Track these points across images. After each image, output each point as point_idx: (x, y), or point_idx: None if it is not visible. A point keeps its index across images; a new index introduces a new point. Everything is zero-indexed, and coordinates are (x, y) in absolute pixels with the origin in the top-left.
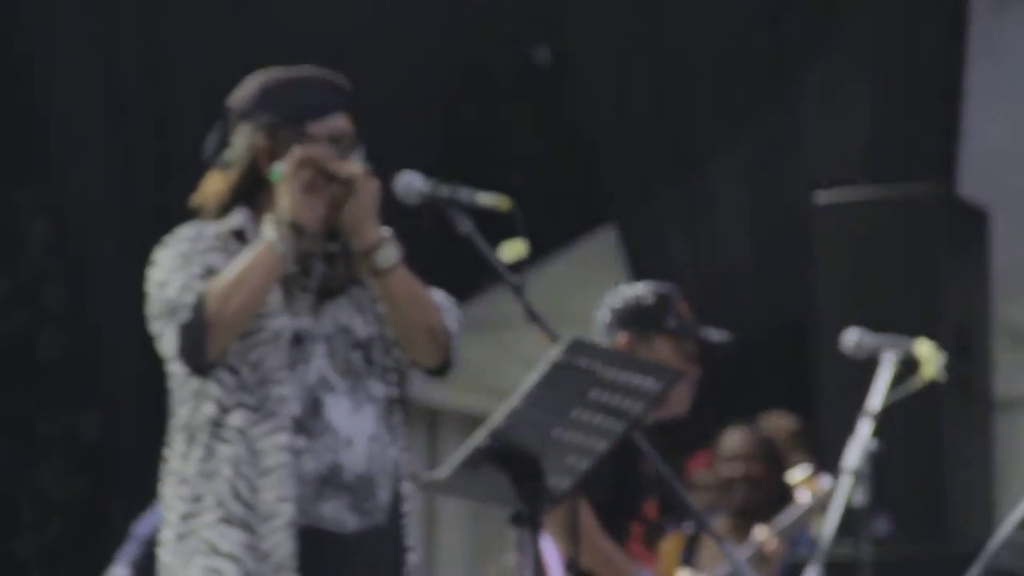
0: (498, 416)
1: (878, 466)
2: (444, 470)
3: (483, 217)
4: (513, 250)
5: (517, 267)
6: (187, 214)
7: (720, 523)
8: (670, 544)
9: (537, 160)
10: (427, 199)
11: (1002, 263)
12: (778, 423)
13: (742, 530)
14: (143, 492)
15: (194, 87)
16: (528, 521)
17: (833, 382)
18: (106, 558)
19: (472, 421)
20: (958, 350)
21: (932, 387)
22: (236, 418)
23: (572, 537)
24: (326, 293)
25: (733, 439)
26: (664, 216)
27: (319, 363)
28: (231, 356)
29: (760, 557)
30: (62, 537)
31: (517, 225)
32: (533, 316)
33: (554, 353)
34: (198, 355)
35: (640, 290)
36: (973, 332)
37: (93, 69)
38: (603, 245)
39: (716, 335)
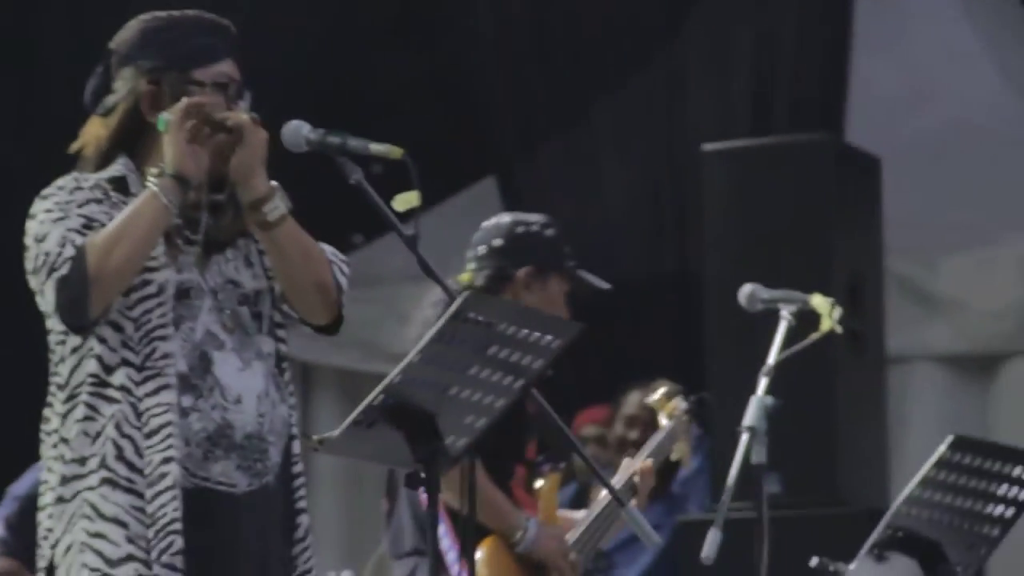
0: (393, 373)
1: (774, 423)
2: (337, 429)
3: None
4: (406, 201)
5: (408, 217)
6: (59, 161)
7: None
8: (547, 484)
9: (419, 109)
10: (316, 147)
11: (894, 215)
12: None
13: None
14: (16, 454)
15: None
16: (424, 482)
17: (723, 336)
18: None
19: (348, 377)
20: (851, 304)
21: (824, 342)
22: (120, 376)
23: (465, 493)
24: (212, 246)
25: (634, 402)
26: (547, 167)
27: (206, 318)
28: (114, 312)
29: (631, 486)
30: None
31: (410, 175)
32: (427, 269)
33: (451, 308)
34: (79, 312)
35: (534, 220)
36: (866, 285)
37: None
38: (485, 196)
39: (599, 282)
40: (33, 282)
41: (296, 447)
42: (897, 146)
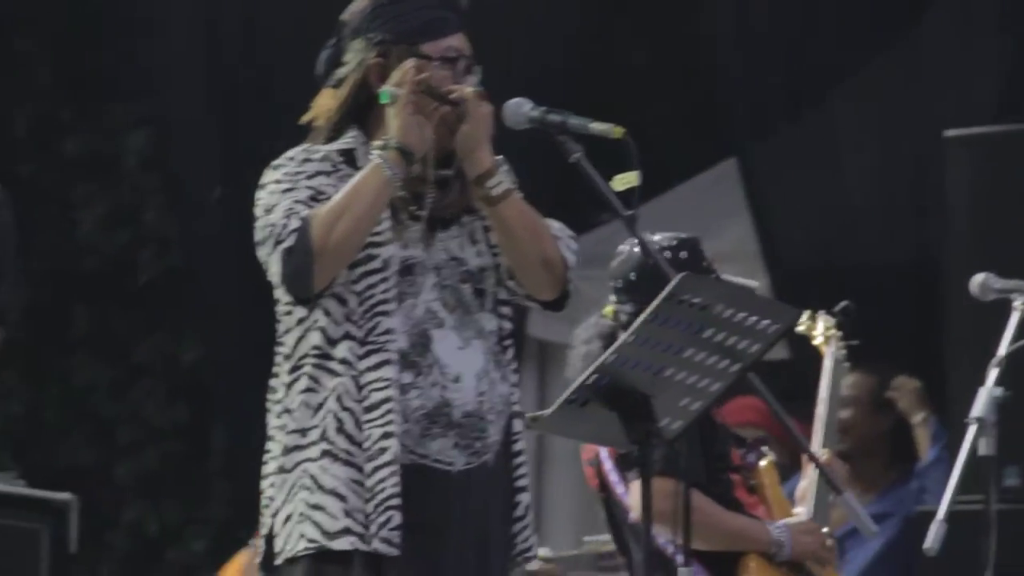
0: (607, 352)
1: (1005, 415)
2: (551, 408)
3: (599, 149)
4: (625, 181)
5: (629, 198)
6: (292, 132)
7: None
8: (766, 476)
9: (660, 90)
10: (537, 125)
11: None
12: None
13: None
14: (244, 419)
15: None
16: (638, 462)
17: (962, 326)
18: (206, 486)
19: None
20: None
21: None
22: (342, 349)
23: (677, 521)
24: (437, 222)
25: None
26: (785, 150)
27: (427, 295)
28: (338, 285)
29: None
30: (161, 463)
31: (631, 155)
32: (646, 249)
33: (667, 288)
34: (303, 284)
35: (666, 243)
36: None
37: None
38: (725, 177)
39: (748, 282)
40: (260, 253)
41: (517, 426)
42: None
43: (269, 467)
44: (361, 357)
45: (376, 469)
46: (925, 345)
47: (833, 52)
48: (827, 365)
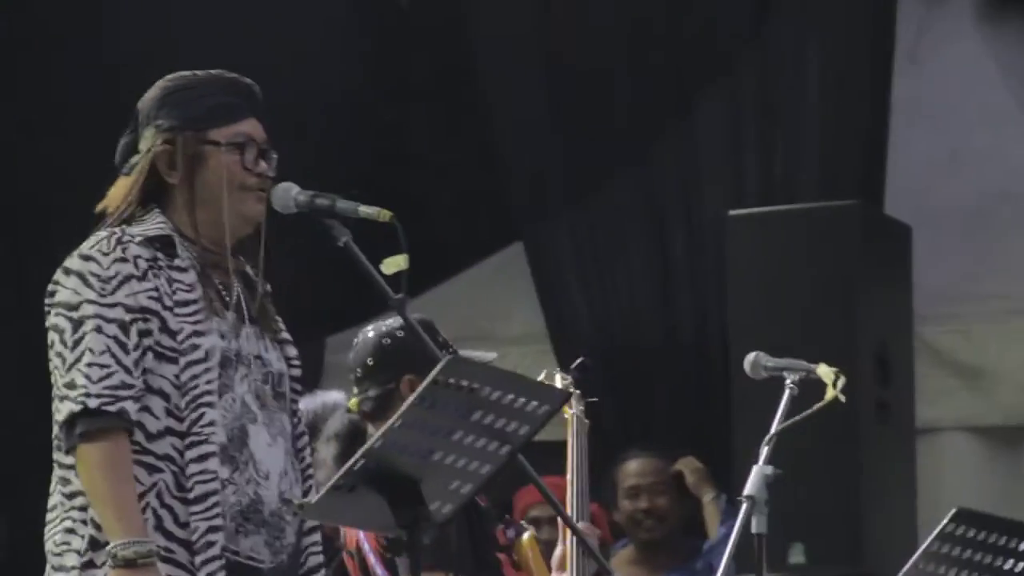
0: (375, 437)
1: (784, 492)
2: (318, 494)
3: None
4: (394, 264)
5: (398, 282)
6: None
7: (624, 555)
8: (525, 547)
9: (454, 170)
10: (306, 209)
11: (926, 283)
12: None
13: (648, 563)
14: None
15: None
16: (406, 547)
17: (746, 404)
18: None
19: None
20: (880, 373)
21: (852, 412)
22: (163, 445)
23: None
24: (243, 316)
25: (635, 469)
26: (566, 231)
27: (240, 388)
28: (160, 380)
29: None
30: None
31: (400, 238)
32: (415, 333)
33: (433, 372)
34: (74, 443)
35: (393, 327)
36: (895, 354)
37: None
38: (513, 261)
39: (485, 355)
40: (57, 371)
41: (313, 536)
42: (929, 213)
43: (67, 560)
44: (182, 450)
45: (204, 563)
46: (713, 424)
47: (611, 138)
48: (570, 423)
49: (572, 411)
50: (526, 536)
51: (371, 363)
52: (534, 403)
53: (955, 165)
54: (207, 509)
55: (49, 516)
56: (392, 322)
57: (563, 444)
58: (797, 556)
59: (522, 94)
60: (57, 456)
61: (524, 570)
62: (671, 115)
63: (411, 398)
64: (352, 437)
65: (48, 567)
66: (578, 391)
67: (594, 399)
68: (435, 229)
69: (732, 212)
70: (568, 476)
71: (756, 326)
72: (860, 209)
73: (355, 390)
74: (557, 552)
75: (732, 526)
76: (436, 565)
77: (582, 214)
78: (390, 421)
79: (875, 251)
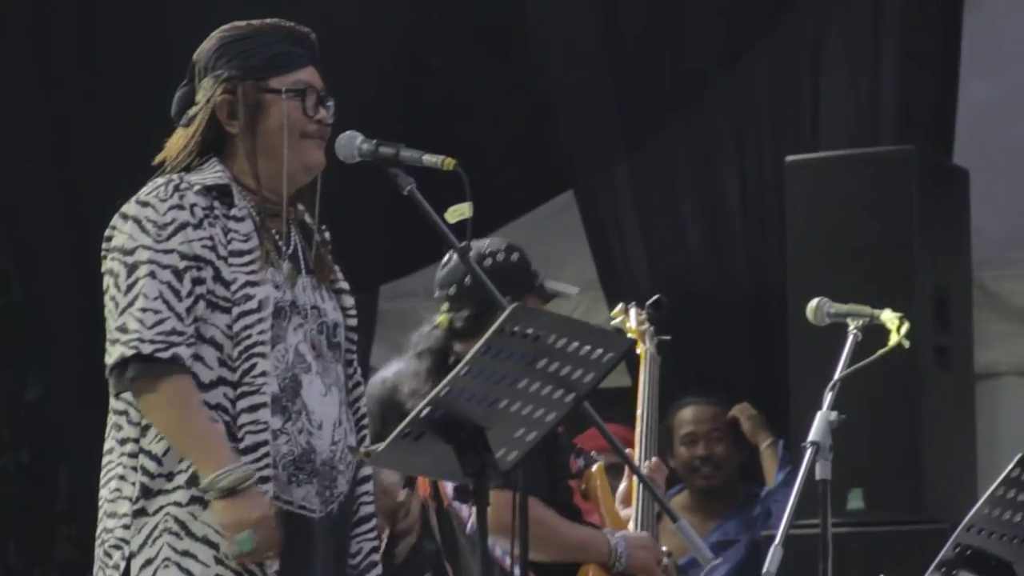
0: (441, 385)
1: (848, 439)
2: (385, 442)
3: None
4: (458, 212)
5: (463, 229)
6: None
7: (678, 501)
8: (594, 478)
9: (505, 122)
10: (369, 158)
11: (984, 227)
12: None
13: (704, 510)
14: (89, 459)
15: None
16: (473, 495)
17: (803, 351)
18: (51, 528)
19: None
20: (938, 319)
21: (911, 357)
22: (216, 395)
23: (510, 533)
24: (299, 266)
25: (691, 416)
26: (620, 182)
27: (294, 338)
28: (213, 330)
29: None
30: (4, 506)
31: (464, 187)
32: (479, 280)
33: (499, 320)
34: (125, 387)
35: (495, 248)
36: (954, 300)
37: None
38: (564, 209)
39: (569, 289)
40: (110, 308)
41: (365, 486)
42: (989, 157)
43: (120, 507)
44: (235, 400)
45: None
46: (768, 371)
47: (666, 86)
48: (643, 359)
49: (645, 347)
50: (595, 467)
51: (469, 282)
52: (599, 351)
53: (1013, 109)
54: (258, 459)
55: (104, 460)
56: (492, 244)
57: (626, 391)
58: (856, 502)
59: (574, 41)
60: (111, 402)
61: (592, 499)
62: (726, 60)
63: (477, 346)
64: (442, 354)
65: (101, 512)
66: (652, 327)
67: (667, 336)
68: (485, 178)
69: (789, 158)
70: (638, 411)
71: (814, 272)
72: (917, 154)
73: (445, 307)
74: (622, 487)
75: (790, 472)
76: (503, 484)
77: (635, 162)
78: (457, 368)
79: (933, 196)
